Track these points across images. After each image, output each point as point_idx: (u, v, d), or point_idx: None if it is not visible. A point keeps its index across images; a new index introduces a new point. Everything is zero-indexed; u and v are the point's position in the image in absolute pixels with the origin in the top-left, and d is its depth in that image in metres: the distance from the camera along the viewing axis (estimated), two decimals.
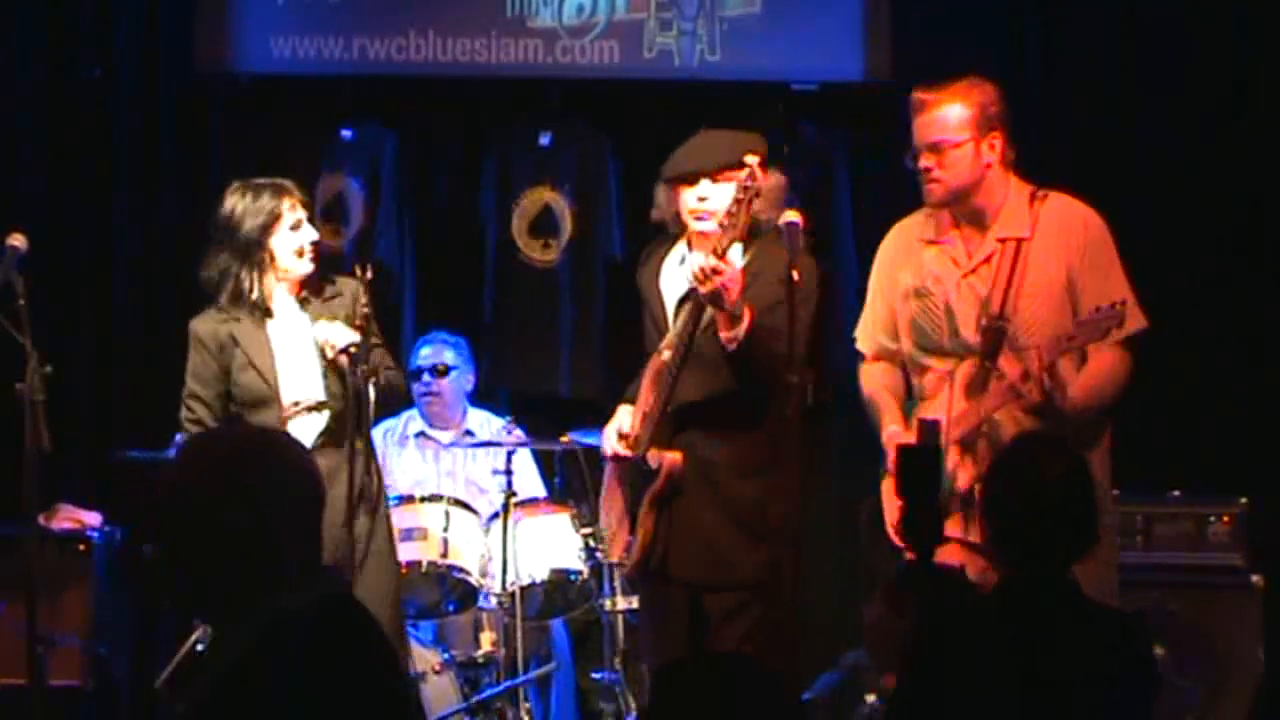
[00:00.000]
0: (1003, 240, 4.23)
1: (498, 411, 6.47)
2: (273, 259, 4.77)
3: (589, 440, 5.60)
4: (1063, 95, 6.53)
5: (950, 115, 4.23)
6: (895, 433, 4.34)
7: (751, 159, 4.21)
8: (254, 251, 4.74)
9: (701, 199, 4.39)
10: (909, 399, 4.39)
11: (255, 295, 4.75)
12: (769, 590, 4.33)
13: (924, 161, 4.25)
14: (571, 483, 6.21)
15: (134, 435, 6.09)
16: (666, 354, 4.42)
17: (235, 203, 4.76)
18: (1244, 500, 5.64)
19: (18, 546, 4.86)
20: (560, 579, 5.80)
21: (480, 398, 6.52)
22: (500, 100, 6.87)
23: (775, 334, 4.19)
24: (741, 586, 4.43)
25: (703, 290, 4.19)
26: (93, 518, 6.00)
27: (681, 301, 4.43)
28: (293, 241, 4.77)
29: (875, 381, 4.48)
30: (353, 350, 4.54)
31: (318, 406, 4.68)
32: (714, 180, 4.37)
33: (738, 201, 4.20)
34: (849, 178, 6.66)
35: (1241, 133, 6.36)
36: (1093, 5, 6.58)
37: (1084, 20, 6.56)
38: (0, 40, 6.74)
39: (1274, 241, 6.36)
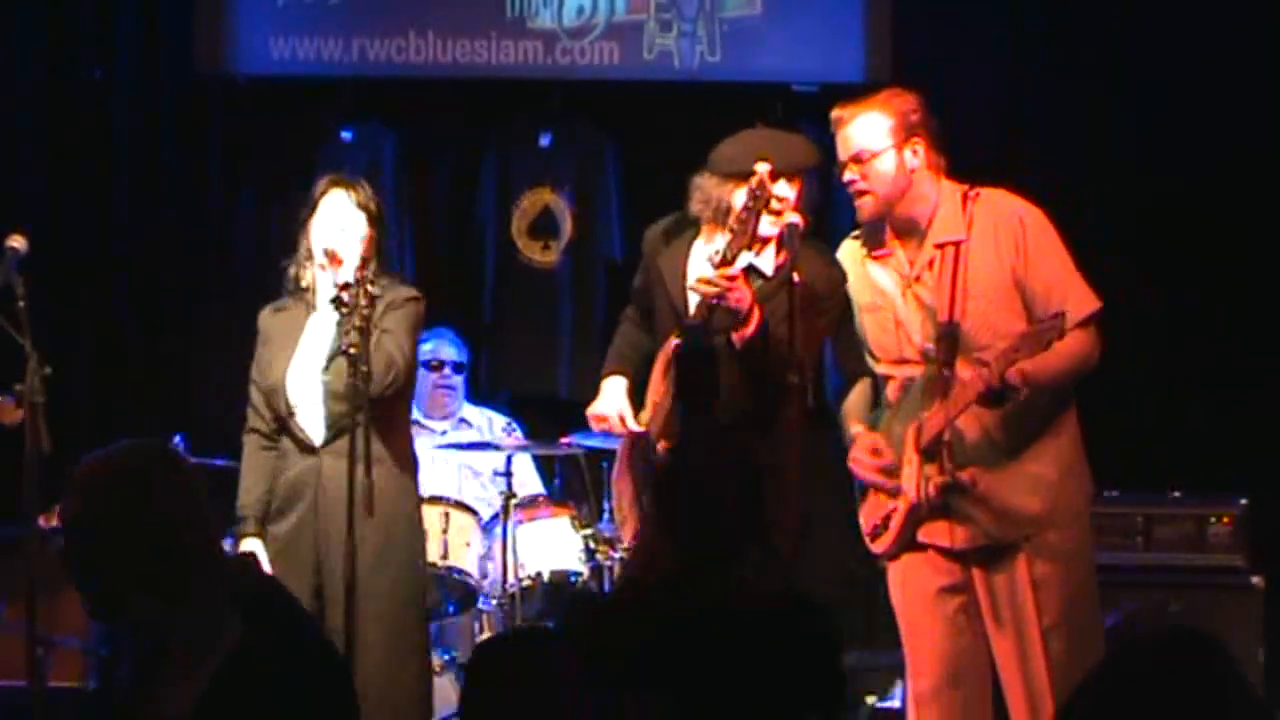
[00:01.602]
0: (940, 245, 4.22)
1: (499, 410, 6.46)
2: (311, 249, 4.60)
3: (589, 441, 5.59)
4: (1063, 94, 6.53)
5: (868, 125, 4.22)
6: (859, 433, 4.34)
7: (762, 166, 4.17)
8: (300, 238, 4.61)
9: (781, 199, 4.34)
10: (876, 407, 4.39)
11: (303, 284, 4.60)
12: None
13: (848, 175, 4.25)
14: (571, 484, 6.20)
15: (134, 435, 6.06)
16: (676, 343, 4.38)
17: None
18: (1244, 500, 5.64)
19: (18, 547, 4.85)
20: (560, 580, 5.79)
21: (480, 398, 6.52)
22: (500, 101, 6.87)
23: (783, 340, 4.17)
24: None
25: (715, 301, 4.18)
26: None
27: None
28: (321, 234, 4.56)
29: (848, 398, 4.48)
30: (353, 355, 4.40)
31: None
32: (789, 181, 4.35)
33: (747, 209, 4.16)
34: None
35: (1243, 130, 6.36)
36: (1093, 5, 6.58)
37: (1085, 19, 6.55)
38: (0, 40, 6.74)
39: (1276, 241, 6.36)
